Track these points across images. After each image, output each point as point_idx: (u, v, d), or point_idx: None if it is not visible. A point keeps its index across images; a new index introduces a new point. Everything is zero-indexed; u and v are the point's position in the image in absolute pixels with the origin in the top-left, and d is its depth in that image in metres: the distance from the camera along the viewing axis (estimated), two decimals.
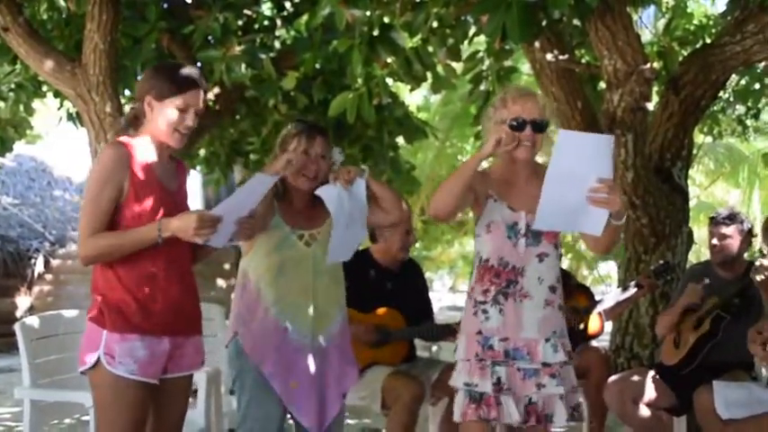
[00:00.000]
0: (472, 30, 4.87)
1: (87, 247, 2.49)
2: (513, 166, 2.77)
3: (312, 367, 2.88)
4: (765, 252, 3.71)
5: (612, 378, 4.14)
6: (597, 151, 2.50)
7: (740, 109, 8.88)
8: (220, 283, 12.65)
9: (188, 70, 2.63)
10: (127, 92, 6.30)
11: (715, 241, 4.09)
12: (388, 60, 4.59)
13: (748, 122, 9.22)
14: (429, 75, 4.90)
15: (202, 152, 8.47)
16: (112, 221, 2.51)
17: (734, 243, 4.07)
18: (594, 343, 4.57)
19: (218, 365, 3.13)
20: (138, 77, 6.19)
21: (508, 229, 2.72)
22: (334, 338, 2.94)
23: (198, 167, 8.89)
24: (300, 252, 2.88)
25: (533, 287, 2.70)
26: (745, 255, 4.22)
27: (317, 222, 2.95)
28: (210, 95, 6.21)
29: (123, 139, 2.60)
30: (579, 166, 2.47)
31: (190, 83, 2.57)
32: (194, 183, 10.73)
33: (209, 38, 5.46)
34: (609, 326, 5.21)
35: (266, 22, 6.26)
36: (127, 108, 5.80)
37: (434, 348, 4.57)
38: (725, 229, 4.07)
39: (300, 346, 2.87)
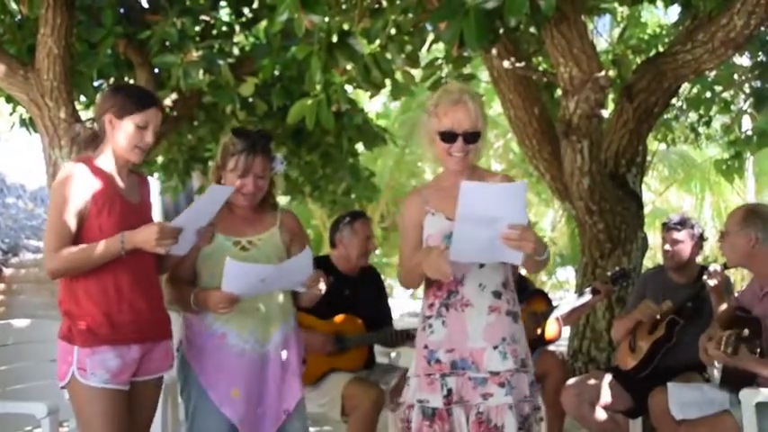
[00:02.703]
0: (430, 37, 4.90)
1: (54, 261, 2.57)
2: (450, 175, 2.72)
3: (254, 375, 2.83)
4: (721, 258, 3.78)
5: (570, 382, 4.19)
6: (508, 199, 2.45)
7: (692, 117, 9.06)
8: None
9: (147, 91, 2.78)
10: (82, 98, 6.21)
11: (667, 246, 4.17)
12: (347, 67, 4.59)
13: (700, 130, 9.40)
14: (388, 82, 4.92)
15: (160, 159, 8.39)
16: (77, 236, 2.59)
17: (685, 248, 4.15)
18: (552, 347, 4.62)
19: (175, 374, 3.10)
20: (94, 83, 6.11)
21: (445, 239, 2.60)
22: (278, 346, 2.90)
23: (156, 174, 8.80)
24: (236, 257, 2.81)
25: (474, 295, 2.62)
26: (698, 259, 4.30)
27: (259, 229, 2.93)
28: (168, 101, 6.14)
29: (84, 155, 2.70)
30: (489, 212, 2.42)
31: (150, 101, 2.69)
32: (152, 190, 10.61)
33: (167, 43, 5.41)
34: (567, 330, 5.27)
35: (224, 28, 6.23)
36: (82, 114, 5.73)
37: (393, 354, 4.56)
38: (676, 235, 4.15)
39: (240, 352, 2.83)
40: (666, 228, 4.20)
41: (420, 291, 2.83)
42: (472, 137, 2.62)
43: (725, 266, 3.72)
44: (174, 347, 2.85)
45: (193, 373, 2.85)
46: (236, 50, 6.17)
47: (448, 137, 2.62)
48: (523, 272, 4.53)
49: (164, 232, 2.53)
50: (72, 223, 2.57)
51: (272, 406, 2.88)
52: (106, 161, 2.67)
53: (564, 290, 17.98)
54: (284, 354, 2.92)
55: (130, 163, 2.71)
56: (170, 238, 2.54)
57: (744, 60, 8.28)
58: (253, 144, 2.87)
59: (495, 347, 2.60)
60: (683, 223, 4.17)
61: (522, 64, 5.72)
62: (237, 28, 6.25)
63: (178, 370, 2.94)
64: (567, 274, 19.99)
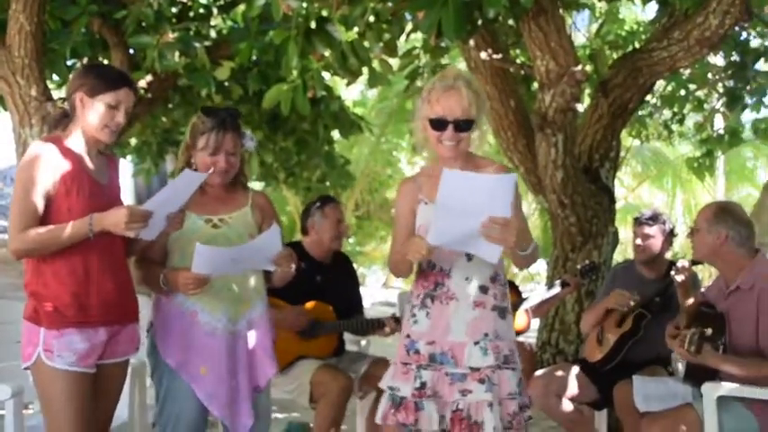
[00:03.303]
0: (409, 26, 4.90)
1: (18, 241, 2.53)
2: (442, 163, 2.63)
3: (225, 354, 2.82)
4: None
5: (537, 373, 4.23)
6: (491, 190, 2.39)
7: (666, 114, 9.15)
8: None
9: (119, 70, 2.73)
10: (55, 76, 6.12)
11: (639, 241, 4.21)
12: (324, 53, 4.58)
13: (674, 127, 9.50)
14: (365, 69, 4.91)
15: (133, 141, 8.31)
16: (45, 216, 2.55)
17: (656, 243, 4.20)
18: (522, 339, 4.65)
19: (143, 357, 3.08)
20: (68, 62, 6.03)
21: None
22: (251, 325, 2.90)
23: (129, 157, 8.72)
24: (207, 234, 2.83)
25: (460, 289, 2.57)
26: (668, 255, 4.35)
27: (231, 207, 2.93)
28: (142, 83, 6.08)
29: (53, 135, 2.65)
30: (470, 202, 2.37)
31: (122, 81, 2.65)
32: (125, 172, 10.52)
33: (143, 24, 5.35)
34: (536, 322, 5.31)
35: (202, 11, 6.17)
36: (54, 93, 5.65)
37: (363, 342, 4.57)
38: (648, 230, 4.20)
39: (212, 330, 2.82)
40: (638, 222, 4.25)
41: (394, 281, 2.83)
42: (464, 125, 2.54)
43: (693, 262, 3.77)
44: (141, 331, 2.82)
45: (163, 352, 2.84)
46: (212, 33, 6.11)
47: (438, 124, 2.54)
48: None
49: (133, 215, 2.50)
50: (39, 203, 2.53)
51: (243, 384, 2.87)
52: (75, 141, 2.64)
53: (535, 282, 18.09)
54: (256, 333, 2.92)
55: (100, 143, 2.67)
56: (140, 222, 2.51)
57: (718, 60, 8.37)
58: (222, 121, 2.86)
59: (477, 343, 2.54)
60: (655, 218, 4.22)
61: (500, 56, 5.74)
62: (215, 11, 6.19)
63: (148, 353, 2.93)
64: (539, 267, 20.13)
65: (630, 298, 4.04)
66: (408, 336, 2.64)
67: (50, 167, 2.54)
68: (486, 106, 2.65)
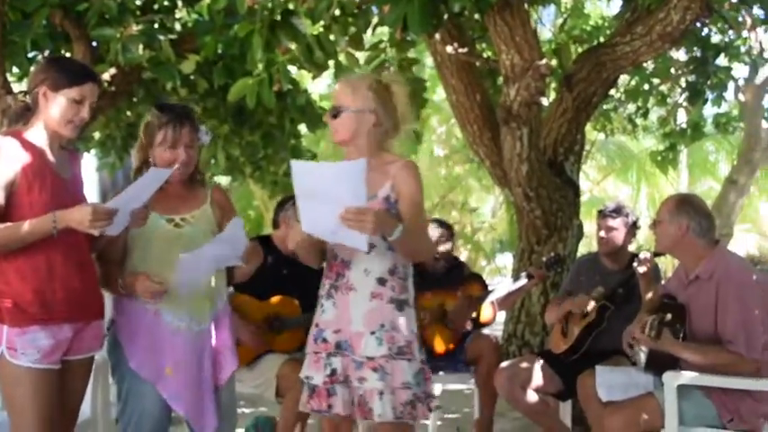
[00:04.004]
0: (375, 19, 4.89)
1: None
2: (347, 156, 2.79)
3: (189, 354, 2.81)
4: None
5: (502, 365, 4.27)
6: (342, 178, 2.45)
7: (630, 108, 9.26)
8: None
9: (83, 65, 2.71)
10: (15, 69, 6.02)
11: (602, 233, 4.27)
12: (290, 47, 4.55)
13: (638, 121, 9.62)
14: (331, 63, 4.89)
15: (97, 135, 8.20)
16: (5, 212, 2.51)
17: (619, 235, 4.26)
18: (487, 331, 4.69)
19: (105, 354, 3.06)
20: (28, 55, 5.93)
21: None
22: (214, 323, 2.89)
23: (93, 151, 8.61)
24: (168, 233, 2.82)
25: (359, 280, 2.66)
26: (632, 247, 4.41)
27: (192, 206, 2.92)
28: (106, 76, 6.00)
29: (13, 129, 2.61)
30: (323, 192, 2.44)
31: (87, 75, 2.62)
32: (89, 166, 10.39)
33: (105, 16, 5.28)
34: (502, 314, 5.35)
35: (166, 3, 6.09)
36: (14, 86, 5.55)
37: None
38: (611, 222, 4.25)
39: (175, 329, 2.81)
40: (602, 215, 4.30)
41: None
42: (334, 110, 2.73)
43: (655, 254, 3.83)
44: (104, 327, 2.80)
45: (125, 353, 2.81)
46: (177, 26, 6.04)
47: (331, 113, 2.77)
48: (462, 258, 4.59)
49: (98, 213, 2.46)
50: (0, 197, 2.49)
51: (207, 382, 2.86)
52: (37, 135, 2.60)
53: (502, 275, 18.23)
54: (219, 330, 2.91)
55: (63, 138, 2.64)
56: (104, 220, 2.48)
57: (681, 55, 8.49)
58: (178, 115, 2.86)
59: (373, 333, 2.63)
60: (618, 211, 4.28)
61: (466, 50, 5.76)
62: (180, 3, 6.12)
63: (109, 351, 2.90)
64: (506, 260, 20.28)
65: (588, 303, 4.10)
66: (317, 325, 2.75)
67: (11, 161, 2.51)
68: (402, 107, 2.76)
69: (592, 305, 4.12)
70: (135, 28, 5.10)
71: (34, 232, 2.47)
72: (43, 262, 2.53)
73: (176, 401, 2.80)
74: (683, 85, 8.28)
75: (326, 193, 2.43)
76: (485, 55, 6.76)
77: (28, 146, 2.56)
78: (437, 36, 5.63)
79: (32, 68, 2.81)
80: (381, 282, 2.67)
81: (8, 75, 5.41)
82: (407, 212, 2.64)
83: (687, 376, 3.17)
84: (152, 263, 2.80)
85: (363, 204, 2.44)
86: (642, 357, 3.64)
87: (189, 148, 2.86)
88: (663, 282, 3.85)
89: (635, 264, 3.90)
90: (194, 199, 2.94)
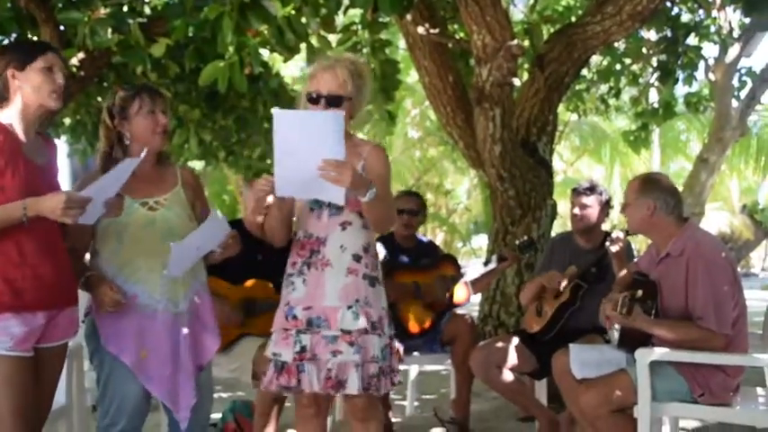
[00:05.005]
0: (346, 1, 4.86)
1: None
2: None
3: (165, 336, 2.80)
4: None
5: (478, 345, 4.30)
6: (321, 129, 2.51)
7: (603, 88, 9.31)
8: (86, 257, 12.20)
9: (40, 41, 2.70)
10: None
11: (576, 210, 4.29)
12: (260, 29, 4.51)
13: (610, 101, 9.67)
14: (303, 45, 4.86)
15: (68, 121, 8.10)
16: None
17: (593, 212, 4.28)
18: (463, 311, 4.72)
19: (80, 341, 3.04)
20: None
21: (312, 202, 2.76)
22: (190, 304, 2.89)
23: (63, 137, 8.51)
24: (144, 218, 2.81)
25: (335, 256, 2.72)
26: (605, 226, 4.44)
27: (164, 188, 2.91)
28: (74, 61, 5.91)
29: None
30: (305, 143, 2.49)
31: (45, 45, 2.63)
32: (60, 153, 10.28)
33: None
34: (478, 295, 5.38)
35: None
36: None
37: None
38: (585, 199, 4.28)
39: (151, 313, 2.80)
40: (576, 193, 4.33)
41: None
42: (335, 100, 2.70)
43: (627, 233, 3.86)
44: (79, 314, 2.77)
45: (103, 338, 2.79)
46: (147, 9, 5.97)
47: (313, 98, 2.72)
48: (438, 240, 4.59)
49: (71, 202, 2.43)
50: None
51: (186, 363, 2.85)
52: (10, 119, 2.55)
53: (478, 256, 18.33)
54: (197, 311, 2.91)
55: (44, 116, 2.62)
56: (77, 209, 2.45)
57: (651, 35, 8.54)
58: (144, 85, 2.92)
59: (350, 307, 2.70)
60: (592, 189, 4.31)
61: (437, 31, 5.75)
62: None
63: (88, 336, 2.88)
64: (482, 242, 20.39)
65: (562, 279, 4.14)
66: (288, 303, 2.78)
67: None
68: (365, 94, 2.81)
69: (564, 283, 4.16)
70: (103, 11, 5.03)
71: (3, 219, 2.44)
72: (13, 249, 2.49)
73: (152, 384, 2.79)
74: (655, 64, 8.34)
75: (306, 144, 2.48)
76: (457, 36, 6.75)
77: (1, 129, 2.51)
78: (408, 17, 5.61)
79: None
80: (357, 258, 2.74)
81: None
82: (378, 188, 2.68)
83: (659, 352, 3.21)
84: (128, 247, 2.78)
85: (342, 158, 2.50)
86: (615, 335, 3.68)
87: (164, 114, 2.88)
88: (635, 260, 3.88)
89: (608, 243, 3.93)
90: (165, 181, 2.92)
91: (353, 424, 2.85)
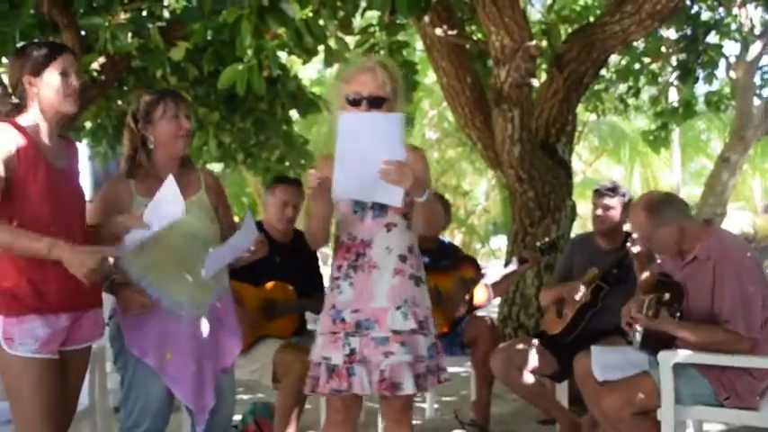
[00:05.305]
0: (364, 3, 4.87)
1: None
2: None
3: (189, 339, 2.82)
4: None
5: (498, 347, 4.28)
6: (383, 130, 2.52)
7: (622, 88, 9.26)
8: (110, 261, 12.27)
9: (53, 41, 2.69)
10: (4, 59, 5.98)
11: (599, 212, 4.26)
12: (278, 32, 4.53)
13: (629, 101, 9.62)
14: (321, 48, 4.87)
15: (88, 125, 8.17)
16: (2, 201, 2.48)
17: (616, 214, 4.25)
18: (483, 313, 4.70)
19: (103, 343, 3.07)
20: (17, 44, 5.89)
21: (354, 204, 2.75)
22: (213, 308, 2.90)
23: (84, 140, 8.57)
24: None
25: (381, 257, 2.72)
26: (626, 226, 4.41)
27: (188, 192, 2.91)
28: (95, 65, 5.97)
29: (7, 120, 2.56)
30: (366, 146, 2.50)
31: (59, 48, 2.62)
32: (81, 156, 10.36)
33: (93, 4, 5.24)
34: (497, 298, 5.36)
35: None
36: (4, 77, 5.51)
37: None
38: (608, 201, 4.25)
39: (175, 316, 2.81)
40: (598, 194, 4.29)
41: None
42: (376, 101, 2.68)
43: None
44: (103, 316, 2.79)
45: (127, 340, 2.81)
46: (166, 13, 6.01)
47: (353, 101, 2.70)
48: (456, 240, 4.58)
49: (97, 271, 2.44)
50: (1, 170, 2.45)
51: (208, 368, 2.87)
52: (30, 126, 2.56)
53: (497, 258, 18.27)
54: (220, 314, 2.92)
55: (62, 120, 2.63)
56: (98, 275, 2.48)
57: (671, 33, 8.48)
58: (168, 90, 2.93)
59: (398, 308, 2.69)
60: (615, 190, 4.28)
61: (455, 32, 5.74)
62: None
63: (112, 338, 2.90)
64: (501, 243, 20.31)
65: (578, 290, 4.11)
66: (334, 306, 2.76)
67: (9, 142, 2.48)
68: (400, 95, 2.78)
69: (582, 291, 4.13)
70: (123, 16, 5.08)
71: (26, 250, 2.46)
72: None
73: (176, 386, 2.81)
74: (674, 63, 8.28)
75: (368, 146, 2.49)
76: (474, 37, 6.73)
77: (22, 131, 2.53)
78: (426, 19, 5.60)
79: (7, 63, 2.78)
80: (403, 259, 2.74)
81: None
82: (415, 162, 2.66)
83: (682, 354, 3.18)
84: (155, 250, 2.80)
85: (403, 158, 2.51)
86: (637, 337, 3.65)
87: (188, 118, 2.90)
88: (658, 260, 3.84)
89: (629, 244, 3.90)
90: (188, 185, 2.93)
91: (387, 424, 2.84)
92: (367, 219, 2.74)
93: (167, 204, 2.64)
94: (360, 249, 2.73)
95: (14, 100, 2.59)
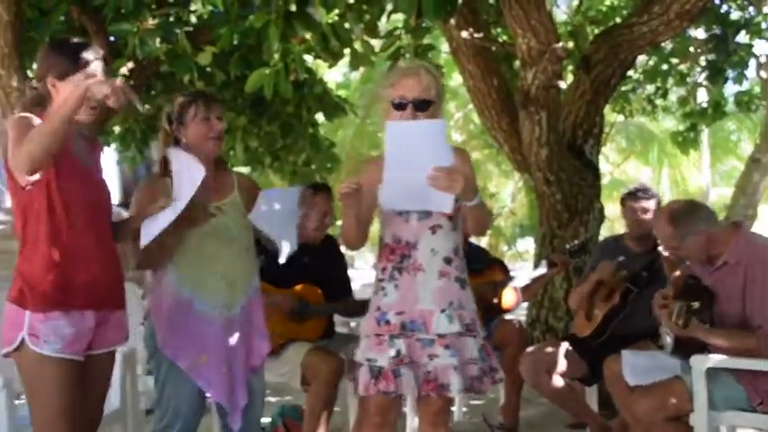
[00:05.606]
0: (389, 6, 4.87)
1: (21, 153, 2.34)
2: None
3: (221, 340, 2.85)
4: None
5: (527, 350, 4.25)
6: (429, 137, 2.51)
7: (650, 89, 9.17)
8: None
9: (85, 45, 2.60)
10: (35, 65, 6.07)
11: (639, 215, 4.22)
12: (305, 36, 4.55)
13: (657, 102, 9.53)
14: (347, 51, 4.88)
15: (117, 129, 8.25)
16: (30, 194, 2.46)
17: (652, 216, 4.21)
18: (511, 316, 4.68)
19: (134, 345, 3.09)
20: None
21: None
22: (245, 310, 2.92)
23: (113, 145, 8.67)
24: (205, 225, 2.83)
25: (426, 260, 2.70)
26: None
27: (223, 193, 2.94)
28: (124, 70, 6.03)
29: (32, 115, 2.51)
30: (414, 153, 2.49)
31: (89, 57, 2.56)
32: (110, 160, 10.47)
33: (122, 11, 5.30)
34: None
35: None
36: (34, 83, 5.58)
37: (353, 324, 4.58)
38: (645, 203, 4.21)
39: (209, 319, 2.84)
40: (635, 197, 4.25)
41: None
42: (422, 104, 2.67)
43: None
44: (127, 319, 2.77)
45: (161, 342, 2.84)
46: (193, 19, 6.06)
47: (399, 105, 2.69)
48: (483, 243, 4.57)
49: (120, 97, 2.35)
50: None
51: (239, 368, 2.90)
52: None
53: (524, 260, 18.19)
54: (250, 316, 2.94)
55: (83, 124, 2.58)
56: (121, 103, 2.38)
57: (699, 33, 8.39)
58: (201, 92, 2.97)
59: (443, 311, 2.67)
60: (649, 192, 4.26)
61: (481, 35, 5.73)
62: None
63: (146, 339, 2.93)
64: (528, 245, 20.22)
65: (612, 268, 4.07)
66: (378, 308, 2.74)
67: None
68: (443, 97, 2.79)
69: (611, 267, 4.08)
70: (151, 22, 5.12)
71: (62, 113, 2.34)
72: (68, 248, 2.49)
73: (210, 388, 2.84)
74: (703, 63, 8.19)
75: (416, 153, 2.49)
76: (500, 39, 6.71)
77: None
78: (452, 21, 5.60)
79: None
80: (448, 261, 2.72)
81: (28, 72, 5.45)
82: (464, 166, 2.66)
83: (715, 359, 3.14)
84: (189, 252, 2.83)
85: (451, 164, 2.50)
86: (668, 341, 3.61)
87: (219, 120, 2.91)
88: (688, 263, 3.79)
89: (659, 246, 3.86)
90: (223, 186, 2.97)
91: (423, 427, 2.83)
92: (412, 221, 2.72)
93: (187, 172, 2.65)
94: (405, 251, 2.72)
95: (34, 85, 2.57)
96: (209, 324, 2.84)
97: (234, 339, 2.88)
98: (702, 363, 3.13)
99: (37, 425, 2.51)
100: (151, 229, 2.66)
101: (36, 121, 2.46)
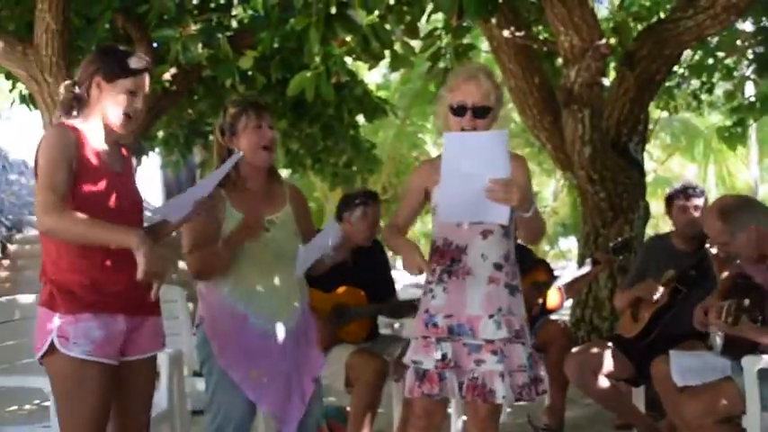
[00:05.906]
0: (430, 6, 4.86)
1: (54, 220, 2.37)
2: None
3: (276, 354, 2.83)
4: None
5: (573, 351, 4.21)
6: (488, 149, 2.49)
7: (695, 84, 9.01)
8: (182, 265, 12.53)
9: (136, 54, 2.62)
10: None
11: (692, 213, 4.14)
12: (346, 38, 4.56)
13: (703, 97, 9.36)
14: (387, 52, 4.89)
15: (161, 134, 8.38)
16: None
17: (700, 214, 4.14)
18: (555, 317, 4.64)
19: (181, 347, 3.12)
20: None
21: None
22: (298, 323, 2.91)
23: (156, 149, 8.80)
24: (260, 238, 2.81)
25: (476, 265, 2.69)
26: None
27: (276, 207, 2.92)
28: (167, 76, 6.12)
29: (67, 122, 2.52)
30: (471, 165, 2.47)
31: (141, 66, 2.55)
32: (153, 165, 10.63)
33: (165, 17, 5.38)
34: (569, 300, 5.28)
35: (222, 1, 6.19)
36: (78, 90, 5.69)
37: (397, 325, 4.59)
38: (697, 201, 4.14)
39: (263, 333, 2.82)
40: (687, 195, 4.17)
41: None
42: (481, 111, 2.66)
43: None
44: (163, 326, 2.73)
45: (214, 350, 2.83)
46: (234, 23, 6.14)
47: (458, 110, 2.68)
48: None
49: (162, 276, 2.38)
50: (67, 178, 2.40)
51: (295, 381, 2.88)
52: (91, 128, 2.52)
53: (566, 259, 18.02)
54: (304, 328, 2.94)
55: (115, 133, 2.56)
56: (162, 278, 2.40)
57: (747, 26, 8.22)
58: (251, 100, 2.94)
59: (491, 317, 2.66)
60: (697, 189, 4.19)
61: (522, 33, 5.69)
62: (235, 0, 6.20)
63: (199, 345, 2.91)
64: (570, 244, 20.03)
65: (656, 290, 4.01)
66: (427, 311, 2.74)
67: (69, 153, 2.42)
68: (502, 101, 2.77)
69: (660, 291, 4.03)
70: (194, 27, 5.20)
71: (103, 238, 2.40)
72: (99, 253, 2.45)
73: (261, 401, 2.83)
74: (751, 57, 8.01)
75: (474, 165, 2.47)
76: (541, 37, 6.66)
77: (81, 135, 2.48)
78: (493, 20, 5.57)
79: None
80: (498, 267, 2.71)
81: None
82: (521, 178, 2.65)
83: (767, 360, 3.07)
84: (242, 266, 2.82)
85: (508, 176, 2.48)
86: (718, 341, 3.54)
87: (271, 128, 2.90)
88: (738, 261, 3.72)
89: (708, 244, 3.78)
90: (275, 199, 2.94)
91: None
92: (463, 225, 2.71)
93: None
94: (455, 255, 2.71)
95: (77, 90, 2.52)
96: (265, 338, 2.82)
97: (290, 352, 2.87)
98: (754, 363, 3.07)
99: (63, 430, 2.44)
100: (172, 209, 2.64)
101: (70, 136, 2.46)
